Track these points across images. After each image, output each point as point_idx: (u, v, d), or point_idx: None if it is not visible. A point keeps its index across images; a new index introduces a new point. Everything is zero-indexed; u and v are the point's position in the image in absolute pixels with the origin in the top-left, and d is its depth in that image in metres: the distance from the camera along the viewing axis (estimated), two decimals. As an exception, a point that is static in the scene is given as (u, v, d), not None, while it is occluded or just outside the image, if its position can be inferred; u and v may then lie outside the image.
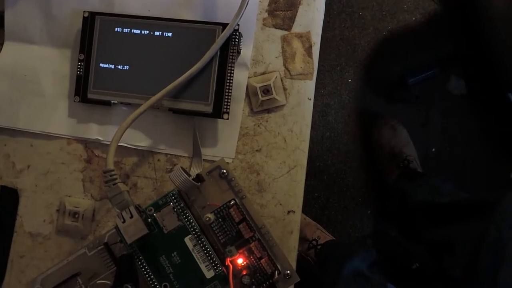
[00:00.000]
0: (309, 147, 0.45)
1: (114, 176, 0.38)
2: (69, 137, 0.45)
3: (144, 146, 0.45)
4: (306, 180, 0.44)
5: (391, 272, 0.81)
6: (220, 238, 0.39)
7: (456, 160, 1.06)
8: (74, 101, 0.44)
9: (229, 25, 0.41)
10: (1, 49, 0.46)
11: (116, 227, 0.38)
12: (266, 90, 0.44)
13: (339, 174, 1.06)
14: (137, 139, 0.45)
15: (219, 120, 0.44)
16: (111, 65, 0.43)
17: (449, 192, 0.86)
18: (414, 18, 1.07)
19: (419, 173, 0.98)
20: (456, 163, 1.06)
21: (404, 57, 1.06)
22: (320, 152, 1.06)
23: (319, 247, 0.94)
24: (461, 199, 0.78)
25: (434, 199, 0.84)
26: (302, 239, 0.96)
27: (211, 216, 0.39)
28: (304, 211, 1.08)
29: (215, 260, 0.38)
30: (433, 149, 1.06)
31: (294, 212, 0.44)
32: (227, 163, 0.44)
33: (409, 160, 0.98)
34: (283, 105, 0.44)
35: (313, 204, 1.05)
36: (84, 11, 0.44)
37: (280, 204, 0.44)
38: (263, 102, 0.44)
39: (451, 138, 1.06)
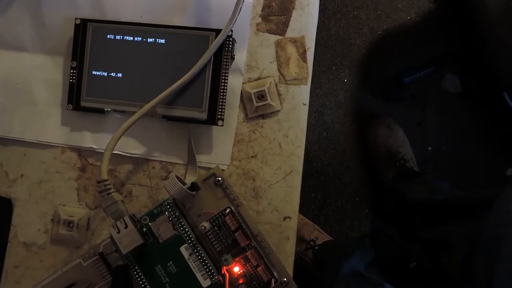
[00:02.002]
0: (306, 148, 0.44)
1: (108, 186, 0.38)
2: (62, 146, 0.45)
3: (139, 154, 0.44)
4: (303, 180, 0.44)
5: (389, 271, 0.81)
6: (216, 246, 0.39)
7: (452, 158, 1.06)
8: (67, 109, 0.44)
9: (222, 31, 0.40)
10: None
11: (111, 238, 0.37)
12: (261, 96, 0.43)
13: (336, 174, 1.06)
14: (131, 147, 0.44)
15: (214, 127, 0.44)
16: (104, 73, 0.43)
17: (445, 191, 0.86)
18: (409, 17, 1.07)
19: (415, 172, 0.98)
20: (452, 162, 1.06)
21: (400, 56, 1.06)
22: (317, 152, 1.06)
23: (317, 247, 0.94)
24: (457, 198, 0.78)
25: (430, 198, 0.84)
26: (300, 239, 0.96)
27: (206, 224, 0.38)
28: (301, 211, 1.08)
29: (211, 269, 0.38)
30: (429, 148, 1.06)
31: (290, 218, 0.43)
32: (222, 170, 0.43)
33: (405, 159, 0.98)
34: (278, 111, 0.44)
35: (310, 205, 1.05)
36: (76, 18, 0.43)
37: (276, 211, 0.44)
38: (257, 108, 0.43)
39: (447, 137, 1.06)
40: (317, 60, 1.04)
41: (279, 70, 0.44)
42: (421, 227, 0.79)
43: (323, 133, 1.06)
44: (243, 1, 0.40)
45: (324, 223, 1.04)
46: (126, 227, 0.37)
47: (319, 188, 1.05)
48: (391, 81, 1.06)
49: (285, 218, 0.43)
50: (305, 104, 0.44)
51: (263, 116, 0.44)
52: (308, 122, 0.44)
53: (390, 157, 1.00)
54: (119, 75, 0.43)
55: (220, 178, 0.39)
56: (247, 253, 0.38)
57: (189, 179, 0.43)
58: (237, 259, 0.38)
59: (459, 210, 0.70)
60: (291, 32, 0.44)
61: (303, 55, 0.44)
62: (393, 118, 1.03)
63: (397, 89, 1.06)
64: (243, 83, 0.44)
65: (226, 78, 0.41)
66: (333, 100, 1.06)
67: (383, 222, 1.05)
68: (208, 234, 0.39)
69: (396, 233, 1.01)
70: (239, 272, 0.38)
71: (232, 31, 0.41)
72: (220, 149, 0.44)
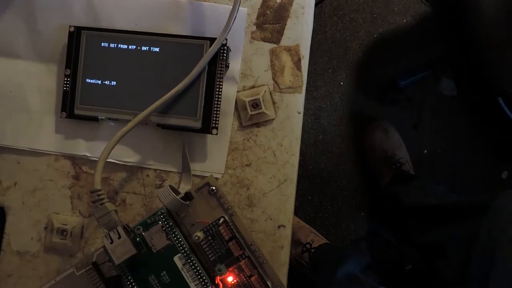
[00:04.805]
0: (302, 150, 0.44)
1: (101, 196, 0.38)
2: (56, 154, 0.45)
3: (133, 162, 0.44)
4: (298, 183, 0.44)
5: (385, 274, 0.81)
6: (209, 256, 0.39)
7: (448, 162, 1.06)
8: (61, 117, 0.43)
9: (216, 40, 0.40)
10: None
11: (104, 248, 0.37)
12: (255, 104, 0.43)
13: (332, 177, 1.06)
14: (125, 155, 0.44)
15: (208, 135, 0.44)
16: (98, 81, 0.43)
17: (441, 195, 0.86)
18: (405, 21, 1.07)
19: (411, 176, 0.98)
20: (448, 165, 1.06)
21: (396, 60, 1.07)
22: (313, 155, 1.06)
23: (312, 250, 0.94)
24: (453, 201, 0.78)
25: (426, 201, 0.84)
26: (296, 242, 0.96)
27: (200, 234, 0.38)
28: (297, 214, 1.08)
29: (205, 279, 0.38)
30: (425, 151, 1.07)
31: (285, 227, 0.43)
32: (217, 178, 0.43)
33: (401, 162, 0.99)
34: (272, 119, 0.44)
35: (306, 207, 1.05)
36: (70, 26, 0.43)
37: (271, 219, 0.43)
38: (252, 116, 0.43)
39: (443, 140, 1.07)
40: (313, 63, 1.04)
41: (273, 79, 0.44)
42: (416, 231, 0.79)
43: (319, 136, 1.06)
44: (238, 10, 0.40)
45: (320, 226, 1.05)
46: (119, 237, 0.37)
47: (315, 191, 1.05)
48: (387, 84, 1.06)
49: (279, 227, 0.43)
50: (299, 113, 0.44)
51: (257, 125, 0.44)
52: (304, 125, 0.44)
53: (386, 160, 1.00)
54: (113, 83, 0.43)
55: (214, 188, 0.39)
56: (241, 263, 0.38)
57: (183, 187, 0.43)
58: (230, 269, 0.38)
59: (455, 213, 0.70)
60: (285, 41, 0.44)
61: (297, 64, 0.44)
62: (389, 121, 1.03)
63: (393, 92, 1.06)
64: (237, 92, 0.44)
65: (221, 86, 0.41)
66: (329, 103, 1.06)
67: (379, 225, 1.05)
68: (201, 243, 0.39)
69: (392, 236, 1.01)
70: (232, 282, 0.38)
71: (226, 39, 0.41)
72: (215, 158, 0.44)
